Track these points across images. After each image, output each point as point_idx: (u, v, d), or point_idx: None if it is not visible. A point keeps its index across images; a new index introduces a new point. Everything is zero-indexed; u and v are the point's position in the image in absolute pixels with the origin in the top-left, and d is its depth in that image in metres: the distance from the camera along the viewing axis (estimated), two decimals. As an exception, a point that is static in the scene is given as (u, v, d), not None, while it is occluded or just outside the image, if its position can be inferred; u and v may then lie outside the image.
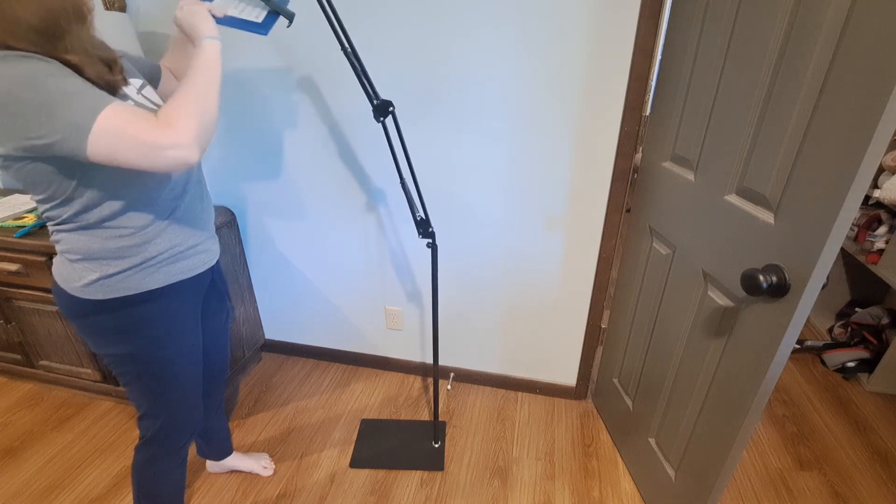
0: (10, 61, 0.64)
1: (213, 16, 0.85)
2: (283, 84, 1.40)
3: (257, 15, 0.89)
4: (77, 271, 0.83)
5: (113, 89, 0.77)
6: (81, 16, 0.73)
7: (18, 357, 1.70)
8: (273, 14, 0.90)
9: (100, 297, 0.84)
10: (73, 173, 0.74)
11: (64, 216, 0.79)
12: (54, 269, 0.87)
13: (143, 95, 0.87)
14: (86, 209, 0.78)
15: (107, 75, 0.76)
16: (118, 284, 0.84)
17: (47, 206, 0.78)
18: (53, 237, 0.83)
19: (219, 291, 1.12)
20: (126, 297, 0.86)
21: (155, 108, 0.86)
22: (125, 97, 0.81)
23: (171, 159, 0.69)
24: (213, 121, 0.75)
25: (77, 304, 0.85)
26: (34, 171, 0.72)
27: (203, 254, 0.97)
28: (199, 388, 1.04)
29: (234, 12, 0.87)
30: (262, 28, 0.89)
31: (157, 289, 0.89)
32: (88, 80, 0.71)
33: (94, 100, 0.67)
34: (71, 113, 0.65)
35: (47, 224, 0.83)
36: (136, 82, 0.87)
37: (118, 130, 0.66)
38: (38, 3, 0.67)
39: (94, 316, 0.86)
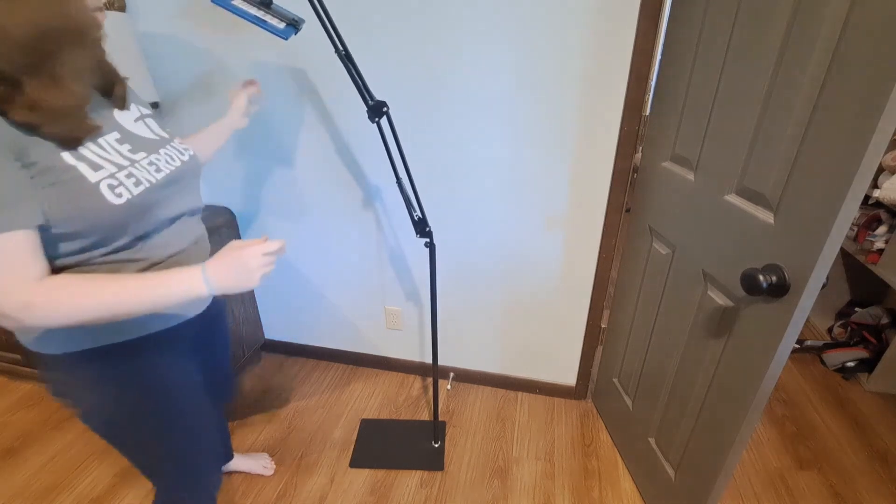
0: None
1: (244, 10, 0.86)
2: (283, 84, 1.40)
3: (278, 23, 0.92)
4: None
5: (76, 140, 0.63)
6: (79, 40, 0.62)
7: (18, 357, 1.70)
8: (291, 26, 0.93)
9: (54, 350, 0.71)
10: None
11: None
12: None
13: (144, 124, 0.77)
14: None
15: (79, 124, 0.64)
16: (78, 335, 0.70)
17: None
18: None
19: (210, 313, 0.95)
20: (94, 351, 0.72)
21: (156, 138, 0.77)
22: (99, 136, 0.68)
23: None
24: (73, 324, 0.62)
25: (38, 358, 0.72)
26: None
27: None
28: (211, 444, 0.92)
29: (258, 14, 0.91)
30: (283, 34, 0.92)
31: (132, 340, 0.75)
32: (47, 133, 0.59)
33: None
34: None
35: None
36: (139, 109, 0.79)
37: None
38: (32, 19, 0.56)
39: (56, 372, 0.74)
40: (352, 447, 1.55)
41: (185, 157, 0.80)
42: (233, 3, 0.89)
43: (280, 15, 0.92)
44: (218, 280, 0.66)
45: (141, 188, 0.69)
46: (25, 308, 0.57)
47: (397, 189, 1.16)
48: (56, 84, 0.59)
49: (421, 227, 1.18)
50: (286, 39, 0.92)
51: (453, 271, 1.61)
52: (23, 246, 0.58)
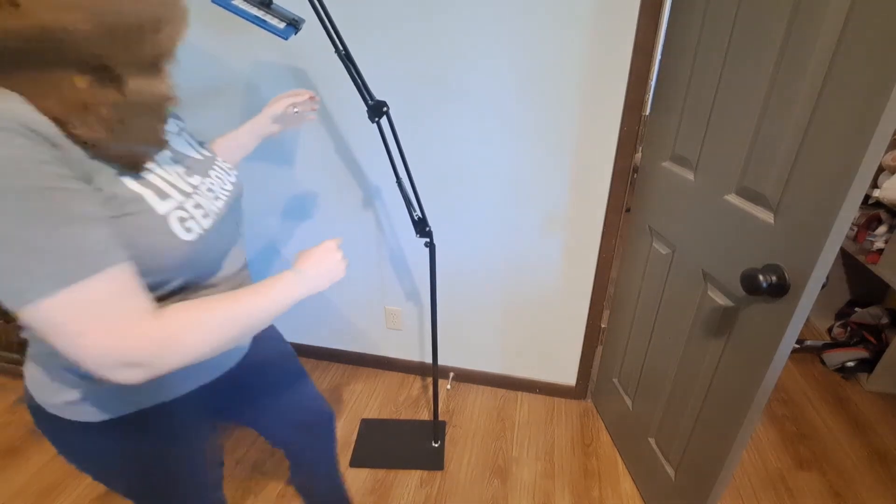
0: None
1: (244, 10, 0.83)
2: (283, 84, 1.40)
3: (278, 23, 0.92)
4: (55, 383, 0.60)
5: (142, 159, 0.53)
6: (168, 24, 0.50)
7: (18, 357, 1.70)
8: (291, 26, 0.93)
9: (88, 418, 0.61)
10: None
11: None
12: (26, 372, 0.64)
13: (185, 140, 0.67)
14: None
15: (154, 135, 0.54)
16: (116, 399, 0.62)
17: None
18: (26, 333, 0.60)
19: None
20: (128, 416, 0.63)
21: (202, 157, 0.68)
22: (154, 164, 0.56)
23: (115, 374, 0.46)
24: (202, 357, 0.53)
25: (57, 424, 0.62)
26: None
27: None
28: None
29: (258, 14, 0.90)
30: (283, 34, 0.92)
31: (169, 402, 0.66)
32: (113, 149, 0.48)
33: (72, 260, 0.42)
34: (18, 274, 0.40)
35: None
36: (175, 122, 0.69)
37: (71, 326, 0.43)
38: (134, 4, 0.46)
39: (83, 442, 0.64)
40: (352, 447, 1.55)
41: (234, 179, 0.71)
42: (233, 2, 0.89)
43: (280, 15, 0.92)
44: (314, 279, 0.66)
45: (209, 221, 0.59)
46: (165, 346, 0.49)
47: (397, 189, 1.16)
48: (150, 76, 0.50)
49: (421, 226, 1.18)
50: (286, 39, 0.92)
51: (453, 271, 1.61)
52: (131, 279, 0.48)
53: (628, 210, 1.39)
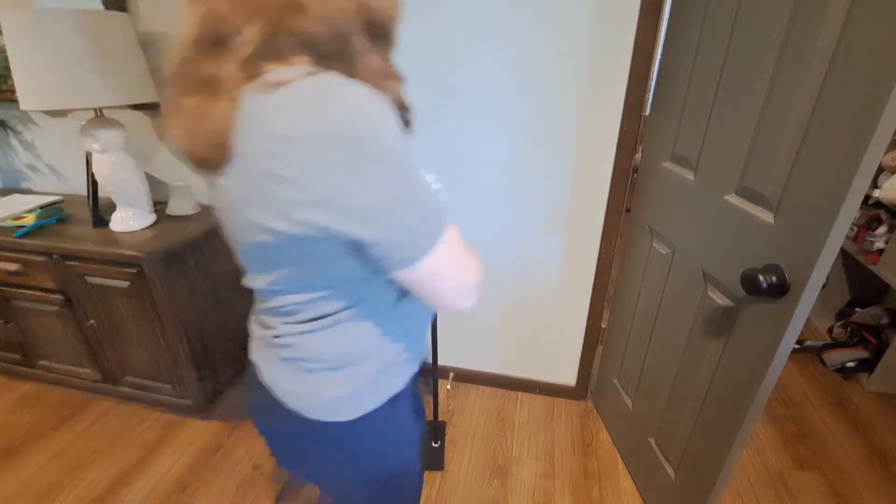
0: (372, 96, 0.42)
1: None
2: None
3: None
4: (315, 384, 0.59)
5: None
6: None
7: (18, 357, 1.70)
8: None
9: (348, 416, 0.61)
10: None
11: (327, 310, 0.55)
12: (280, 383, 0.61)
13: None
14: (363, 297, 0.55)
15: None
16: (372, 393, 0.62)
17: (307, 296, 0.53)
18: (283, 340, 0.58)
19: None
20: (378, 410, 0.63)
21: None
22: None
23: (468, 302, 0.54)
24: None
25: (313, 429, 0.60)
26: (325, 251, 0.48)
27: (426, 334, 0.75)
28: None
29: None
30: None
31: (404, 388, 0.66)
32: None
33: (441, 209, 0.49)
34: (428, 216, 0.47)
35: (278, 324, 0.58)
36: None
37: (452, 261, 0.50)
38: None
39: (342, 441, 0.63)
40: (352, 447, 1.55)
41: None
42: None
43: None
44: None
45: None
46: (480, 270, 0.56)
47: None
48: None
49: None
50: None
51: (453, 271, 1.60)
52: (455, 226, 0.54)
53: (628, 210, 1.39)
